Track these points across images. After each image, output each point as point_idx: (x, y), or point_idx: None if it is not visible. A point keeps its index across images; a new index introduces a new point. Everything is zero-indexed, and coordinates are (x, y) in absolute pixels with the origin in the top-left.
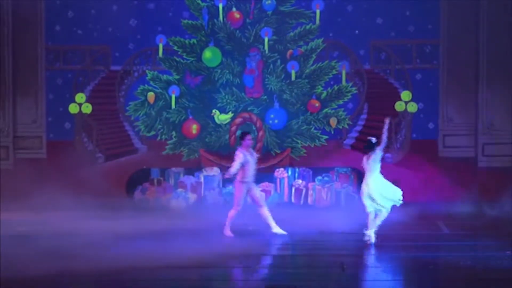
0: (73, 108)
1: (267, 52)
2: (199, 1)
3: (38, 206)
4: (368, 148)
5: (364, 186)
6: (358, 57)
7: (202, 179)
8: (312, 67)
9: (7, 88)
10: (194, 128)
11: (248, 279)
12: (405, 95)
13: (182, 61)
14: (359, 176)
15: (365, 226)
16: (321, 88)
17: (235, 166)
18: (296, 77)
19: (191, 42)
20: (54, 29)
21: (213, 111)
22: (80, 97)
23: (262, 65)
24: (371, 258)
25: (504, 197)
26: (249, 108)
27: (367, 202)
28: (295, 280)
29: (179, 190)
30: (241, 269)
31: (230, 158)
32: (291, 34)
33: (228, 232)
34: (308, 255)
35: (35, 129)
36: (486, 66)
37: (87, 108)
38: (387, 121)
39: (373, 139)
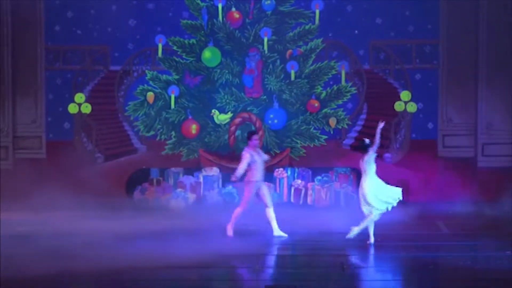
0: (72, 108)
1: (266, 52)
2: (199, 1)
3: (38, 206)
4: (360, 148)
5: (359, 189)
6: (357, 57)
7: (201, 179)
8: (312, 67)
9: (7, 88)
10: (194, 128)
11: (248, 279)
12: (405, 95)
13: (181, 61)
14: (358, 176)
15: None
16: (321, 88)
17: (241, 167)
18: (295, 77)
19: (191, 42)
20: (54, 29)
21: (213, 111)
22: (80, 97)
23: (261, 65)
24: (371, 258)
25: (503, 197)
26: (248, 108)
27: (363, 207)
28: (295, 280)
29: (179, 190)
30: (241, 269)
31: (230, 158)
32: (291, 34)
33: (230, 230)
34: (308, 255)
35: (35, 129)
36: (486, 66)
37: (87, 108)
38: (381, 124)
39: (367, 140)
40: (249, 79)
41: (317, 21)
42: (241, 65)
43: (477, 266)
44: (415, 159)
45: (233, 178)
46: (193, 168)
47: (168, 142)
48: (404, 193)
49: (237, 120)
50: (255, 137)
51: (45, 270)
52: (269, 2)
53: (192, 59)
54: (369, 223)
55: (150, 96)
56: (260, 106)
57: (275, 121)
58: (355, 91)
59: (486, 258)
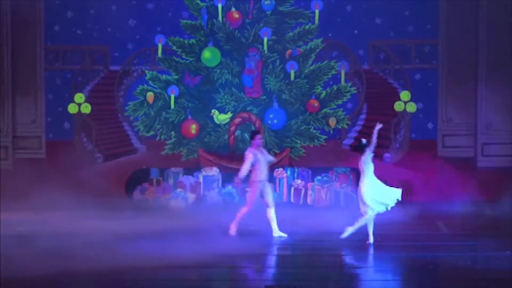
0: (72, 108)
1: (266, 52)
2: (198, 1)
3: (38, 206)
4: (357, 149)
5: (358, 189)
6: (357, 57)
7: (201, 179)
8: (311, 67)
9: (6, 88)
10: (193, 128)
11: (248, 279)
12: (404, 95)
13: (181, 61)
14: (358, 176)
15: (364, 226)
16: (320, 88)
17: (245, 168)
18: (295, 77)
19: (190, 42)
20: (53, 29)
21: (212, 111)
22: (79, 97)
23: (261, 65)
24: (370, 258)
25: (503, 197)
26: (248, 108)
27: (362, 208)
28: (295, 280)
29: (178, 190)
30: (241, 269)
31: (230, 158)
32: (290, 34)
33: (233, 229)
34: (308, 255)
35: (35, 129)
36: (486, 66)
37: (86, 108)
38: (378, 125)
39: (364, 140)
40: (249, 79)
41: (316, 21)
42: (241, 65)
43: (477, 266)
44: (415, 159)
45: (236, 181)
46: (193, 168)
47: (168, 142)
48: (405, 193)
49: (237, 120)
50: (259, 136)
51: (45, 270)
52: (268, 2)
53: (191, 59)
54: (367, 223)
55: (150, 96)
56: (260, 106)
57: (275, 121)
58: (354, 91)
59: (486, 258)
